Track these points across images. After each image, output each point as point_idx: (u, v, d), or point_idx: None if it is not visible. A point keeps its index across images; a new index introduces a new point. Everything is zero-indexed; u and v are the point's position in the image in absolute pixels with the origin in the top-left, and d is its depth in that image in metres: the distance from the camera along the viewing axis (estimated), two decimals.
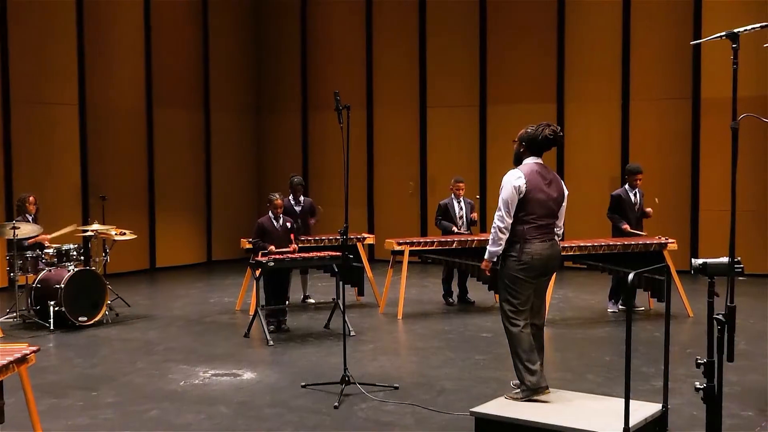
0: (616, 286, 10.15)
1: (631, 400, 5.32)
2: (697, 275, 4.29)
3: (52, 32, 12.72)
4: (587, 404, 5.96)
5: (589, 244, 9.69)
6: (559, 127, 6.15)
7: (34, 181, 12.03)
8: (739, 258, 4.15)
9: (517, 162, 6.12)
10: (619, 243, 9.70)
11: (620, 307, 10.17)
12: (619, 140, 13.52)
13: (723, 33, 4.10)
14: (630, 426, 5.29)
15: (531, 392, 5.98)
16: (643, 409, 5.67)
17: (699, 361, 4.09)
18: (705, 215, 13.02)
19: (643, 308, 10.26)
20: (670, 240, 9.87)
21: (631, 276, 5.36)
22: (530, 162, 6.03)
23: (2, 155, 12.15)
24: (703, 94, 12.95)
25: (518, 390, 6.07)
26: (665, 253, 9.69)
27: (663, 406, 5.78)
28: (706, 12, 12.79)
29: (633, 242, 9.74)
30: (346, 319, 7.37)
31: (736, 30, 4.03)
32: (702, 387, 4.08)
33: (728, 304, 4.00)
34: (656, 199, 10.51)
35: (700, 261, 4.22)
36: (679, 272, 9.74)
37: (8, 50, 12.12)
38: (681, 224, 13.01)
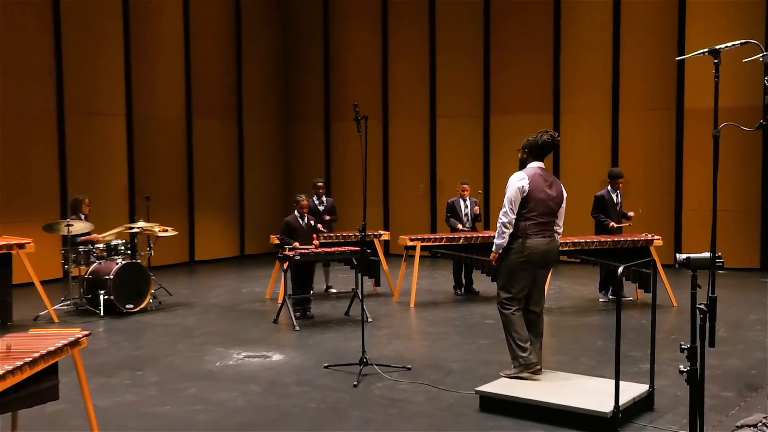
0: (606, 278, 10.10)
1: (620, 381, 5.30)
2: (680, 269, 4.25)
3: (102, 50, 12.76)
4: (581, 384, 5.94)
5: (582, 240, 9.64)
6: (557, 133, 6.18)
7: (86, 184, 12.07)
8: (719, 253, 4.10)
9: (522, 167, 6.18)
10: (609, 239, 9.64)
11: (610, 297, 10.11)
12: (609, 147, 13.45)
13: (706, 49, 4.06)
14: (620, 404, 5.27)
15: (523, 367, 6.03)
16: (631, 390, 5.64)
17: (683, 347, 4.06)
18: (687, 214, 12.93)
19: (631, 298, 10.20)
20: (656, 237, 9.80)
21: (620, 269, 5.34)
22: (533, 166, 6.11)
23: (58, 160, 12.20)
24: (686, 104, 12.85)
25: (512, 367, 6.11)
26: (651, 248, 9.62)
27: (650, 387, 5.76)
28: (689, 29, 12.69)
29: (622, 239, 9.68)
30: (364, 307, 7.36)
31: (717, 47, 3.99)
32: (686, 370, 4.04)
33: (710, 295, 3.97)
34: (640, 210, 10.44)
35: (684, 256, 4.18)
36: (663, 266, 9.67)
37: (63, 66, 12.17)
38: (665, 223, 12.92)
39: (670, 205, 13.09)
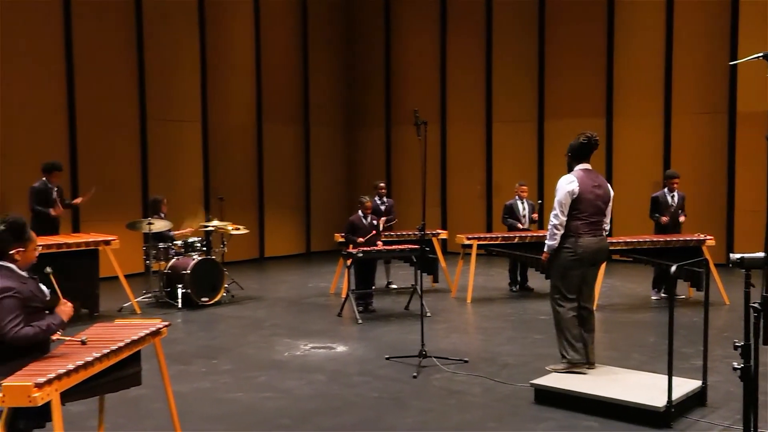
0: (658, 277, 9.86)
1: (673, 377, 5.17)
2: (733, 268, 4.12)
3: (180, 61, 13.04)
4: (634, 379, 5.81)
5: (635, 240, 9.45)
6: (594, 133, 6.08)
7: (164, 185, 12.35)
8: None
9: (569, 170, 6.12)
10: (661, 239, 9.43)
11: (662, 294, 9.87)
12: (662, 149, 13.12)
13: (760, 54, 3.92)
14: (673, 399, 5.14)
15: (571, 365, 5.94)
16: (684, 385, 5.50)
17: (737, 344, 3.93)
18: (740, 216, 12.52)
19: (683, 296, 9.94)
20: (708, 237, 9.54)
21: (673, 268, 5.21)
22: (580, 168, 6.02)
23: (140, 164, 12.51)
24: (738, 108, 12.45)
25: (561, 362, 6.03)
26: (703, 248, 9.36)
27: (702, 383, 5.60)
28: (742, 33, 12.28)
29: (674, 238, 9.45)
30: (423, 302, 7.34)
31: None
32: (739, 367, 3.91)
33: (764, 293, 3.83)
34: (682, 218, 10.12)
35: (738, 255, 4.05)
36: (716, 265, 9.39)
37: (145, 76, 12.47)
38: (717, 224, 12.53)
39: (722, 207, 12.70)
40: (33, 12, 11.15)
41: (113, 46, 12.09)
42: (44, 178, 9.24)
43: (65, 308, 4.12)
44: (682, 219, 9.77)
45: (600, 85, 13.53)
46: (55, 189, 9.37)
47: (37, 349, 3.99)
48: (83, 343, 4.17)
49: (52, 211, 9.22)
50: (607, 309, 9.35)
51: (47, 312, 4.15)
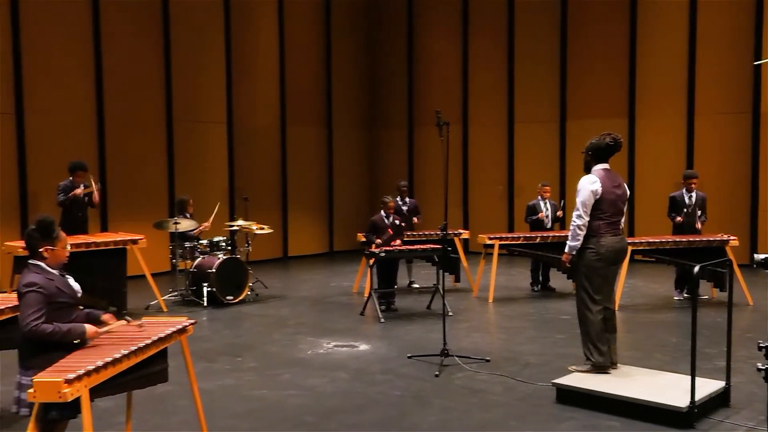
0: (681, 277, 9.76)
1: (696, 378, 5.12)
2: (757, 269, 4.06)
3: (206, 64, 13.12)
4: (656, 379, 5.76)
5: (657, 240, 9.36)
6: (619, 135, 6.04)
7: (190, 185, 12.44)
8: None
9: (587, 169, 6.07)
10: (684, 239, 9.33)
11: (685, 295, 9.77)
12: (684, 150, 12.98)
13: None
14: (696, 399, 5.09)
15: (596, 369, 5.89)
16: (707, 386, 5.44)
17: (761, 345, 3.88)
18: (764, 215, 12.35)
19: (706, 297, 9.82)
20: (731, 237, 9.42)
21: (696, 268, 5.15)
22: (600, 168, 5.98)
23: (166, 164, 12.62)
24: (762, 108, 12.28)
25: (585, 364, 5.98)
26: (727, 248, 9.25)
27: (726, 384, 5.53)
28: (767, 33, 12.12)
29: (697, 239, 9.34)
30: (445, 301, 7.33)
31: None
32: (764, 368, 3.86)
33: None
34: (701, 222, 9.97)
35: (762, 256, 4.00)
36: (739, 266, 9.28)
37: (171, 79, 12.57)
38: (741, 224, 12.38)
39: (746, 207, 12.54)
40: (63, 16, 11.28)
41: (141, 50, 12.20)
42: (70, 178, 9.35)
43: (95, 328, 4.15)
44: (698, 226, 9.63)
45: (623, 85, 13.42)
46: (81, 188, 9.42)
47: (62, 347, 4.05)
48: (127, 321, 4.42)
49: (77, 191, 9.19)
50: (629, 309, 9.26)
51: (82, 308, 4.24)
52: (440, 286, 7.64)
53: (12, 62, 10.76)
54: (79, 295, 4.24)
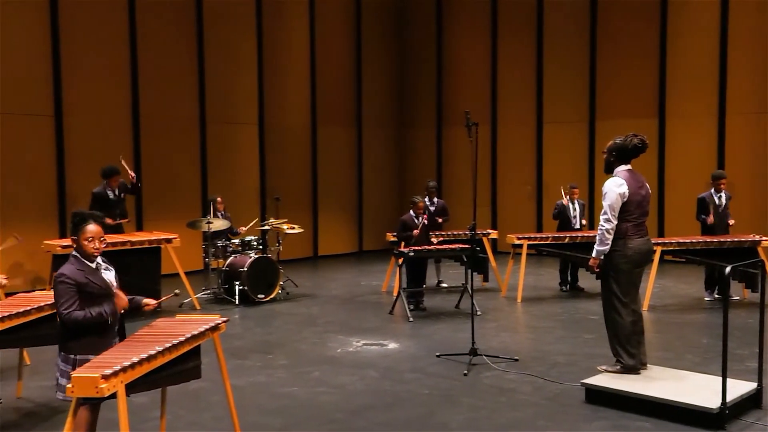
0: (711, 277, 9.61)
1: (727, 379, 5.03)
2: None
3: (239, 65, 13.21)
4: (687, 380, 5.67)
5: (688, 240, 9.23)
6: (645, 135, 5.93)
7: (223, 185, 12.54)
8: None
9: (609, 170, 5.95)
10: (714, 240, 9.18)
11: (716, 296, 9.62)
12: (716, 150, 12.76)
13: None
14: (727, 401, 5.01)
15: (626, 371, 5.82)
16: (739, 387, 5.35)
17: None
18: None
19: (737, 298, 9.66)
20: (763, 237, 9.25)
21: (728, 269, 5.07)
22: (624, 169, 5.87)
23: (200, 165, 12.73)
24: None
25: (615, 365, 5.91)
26: (759, 249, 9.09)
27: (758, 385, 5.44)
28: None
29: (728, 239, 9.19)
30: (474, 301, 7.29)
31: None
32: None
33: None
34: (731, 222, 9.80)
35: None
36: None
37: (205, 81, 12.68)
38: None
39: None
40: (100, 18, 11.43)
41: (175, 52, 12.32)
42: (104, 182, 9.47)
43: (119, 300, 4.31)
44: (731, 222, 9.51)
45: (652, 86, 13.24)
46: (113, 193, 9.53)
47: (96, 331, 4.21)
48: (176, 294, 4.84)
49: (107, 220, 9.38)
50: (659, 310, 9.14)
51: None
52: (469, 286, 7.61)
53: (51, 64, 10.94)
54: (114, 286, 4.35)
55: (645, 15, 13.27)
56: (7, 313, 5.28)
